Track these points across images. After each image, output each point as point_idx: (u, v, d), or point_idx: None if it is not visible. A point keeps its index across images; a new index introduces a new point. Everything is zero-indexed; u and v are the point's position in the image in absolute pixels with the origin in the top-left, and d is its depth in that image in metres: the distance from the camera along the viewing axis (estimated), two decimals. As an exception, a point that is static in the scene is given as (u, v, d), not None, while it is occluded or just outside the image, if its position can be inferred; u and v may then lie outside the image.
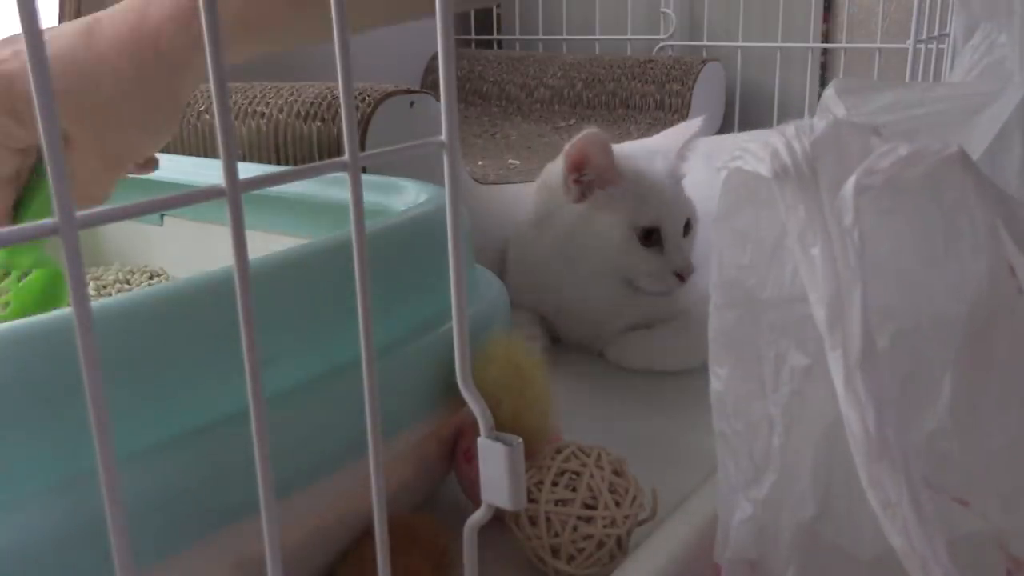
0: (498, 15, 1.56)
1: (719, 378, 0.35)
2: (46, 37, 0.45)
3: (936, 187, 0.30)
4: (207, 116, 0.72)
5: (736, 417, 0.35)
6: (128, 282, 0.70)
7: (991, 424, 0.31)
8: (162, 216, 0.68)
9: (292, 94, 0.69)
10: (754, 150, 0.30)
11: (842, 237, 0.28)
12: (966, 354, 0.31)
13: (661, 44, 1.41)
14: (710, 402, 0.36)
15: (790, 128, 0.31)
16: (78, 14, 0.86)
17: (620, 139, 1.08)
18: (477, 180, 0.77)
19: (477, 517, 0.32)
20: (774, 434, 0.34)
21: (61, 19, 0.88)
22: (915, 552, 0.26)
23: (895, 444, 0.27)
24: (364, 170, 0.57)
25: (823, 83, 1.32)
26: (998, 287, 0.30)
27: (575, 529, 0.42)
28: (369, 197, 0.50)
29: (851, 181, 0.28)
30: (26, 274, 0.49)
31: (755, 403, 0.34)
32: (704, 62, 1.21)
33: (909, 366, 0.31)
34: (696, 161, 0.73)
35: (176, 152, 0.74)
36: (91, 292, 0.68)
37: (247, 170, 0.63)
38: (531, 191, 0.72)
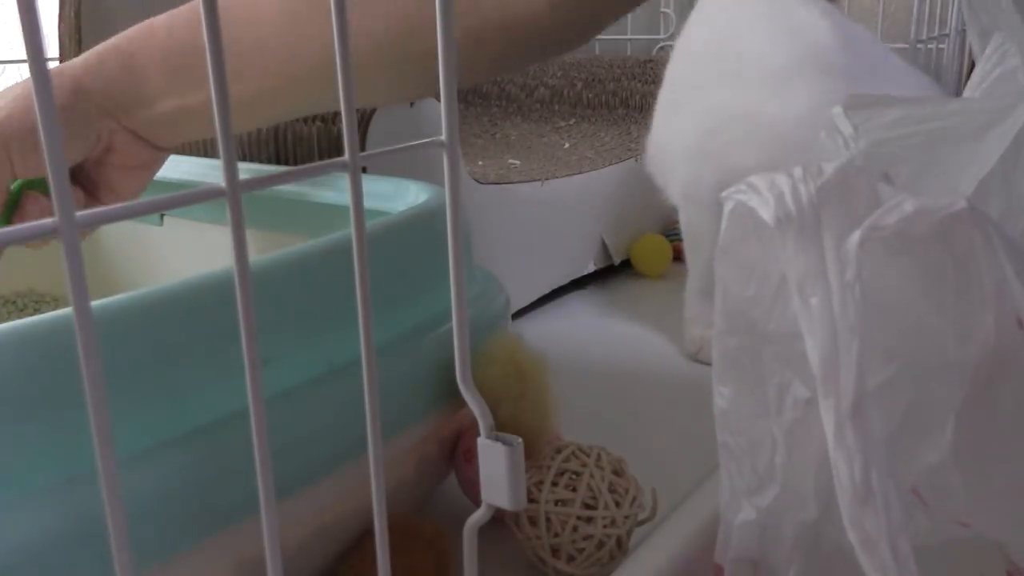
0: (498, 15, 1.55)
1: (723, 396, 0.35)
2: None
3: (945, 237, 0.30)
4: (207, 116, 0.72)
5: (739, 433, 0.35)
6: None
7: (994, 466, 0.31)
8: (162, 216, 0.68)
9: (292, 94, 0.69)
10: (760, 188, 0.30)
11: (842, 290, 0.28)
12: (971, 400, 0.31)
13: (661, 44, 1.41)
14: (709, 400, 0.36)
15: (798, 170, 0.30)
16: (78, 14, 0.86)
17: (619, 139, 1.08)
18: (477, 180, 0.77)
19: (477, 517, 0.32)
20: (777, 453, 0.34)
21: (61, 19, 0.88)
22: None
23: (879, 491, 0.27)
24: (364, 170, 0.57)
25: (823, 83, 1.32)
26: (1005, 339, 0.30)
27: (575, 529, 0.42)
28: (369, 197, 0.50)
29: (855, 236, 0.28)
30: None
31: (758, 422, 0.34)
32: (704, 62, 1.21)
33: (912, 398, 0.31)
34: None
35: (176, 152, 0.74)
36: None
37: (247, 170, 0.63)
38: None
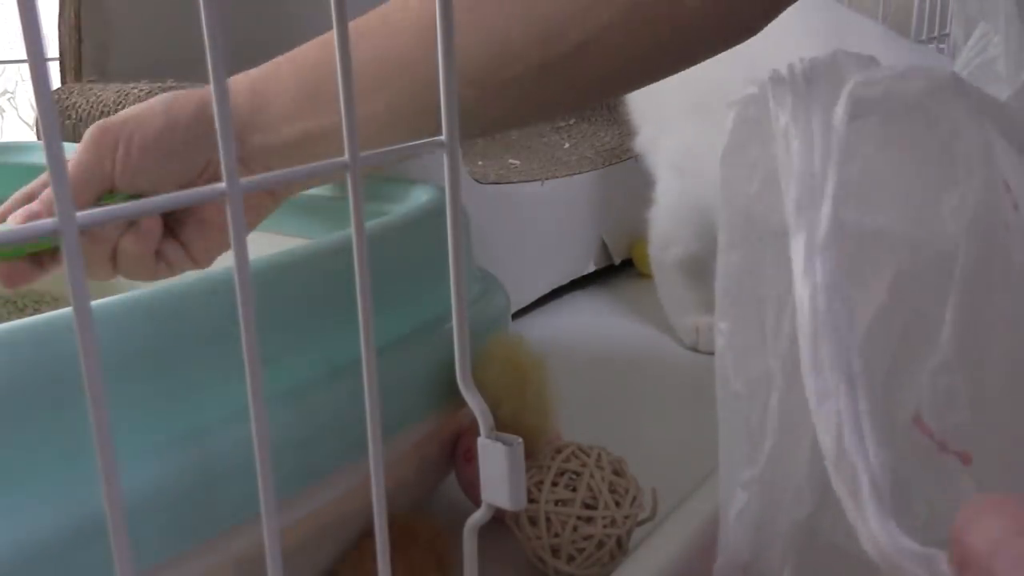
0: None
1: (723, 334, 0.35)
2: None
3: (931, 117, 0.30)
4: (207, 116, 0.72)
5: (736, 376, 0.35)
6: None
7: (994, 349, 0.31)
8: (162, 216, 0.68)
9: (292, 94, 0.69)
10: (761, 81, 0.31)
11: (826, 132, 0.28)
12: (966, 281, 0.31)
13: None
14: (709, 399, 0.36)
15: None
16: (78, 16, 0.86)
17: (619, 139, 1.08)
18: (477, 180, 0.77)
19: (477, 517, 0.32)
20: (773, 391, 0.34)
21: (61, 19, 0.88)
22: (843, 451, 0.25)
23: (844, 330, 0.26)
24: (364, 170, 0.57)
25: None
26: (993, 207, 0.30)
27: (575, 529, 0.42)
28: (369, 197, 0.50)
29: (849, 85, 0.28)
30: None
31: (755, 359, 0.34)
32: (704, 62, 1.21)
33: (912, 308, 0.31)
34: None
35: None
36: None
37: (247, 170, 0.62)
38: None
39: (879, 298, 0.30)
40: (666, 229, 0.78)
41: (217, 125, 0.19)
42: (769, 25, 0.47)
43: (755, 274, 0.34)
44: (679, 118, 0.77)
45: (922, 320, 0.31)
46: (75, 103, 0.81)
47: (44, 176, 0.47)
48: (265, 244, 0.40)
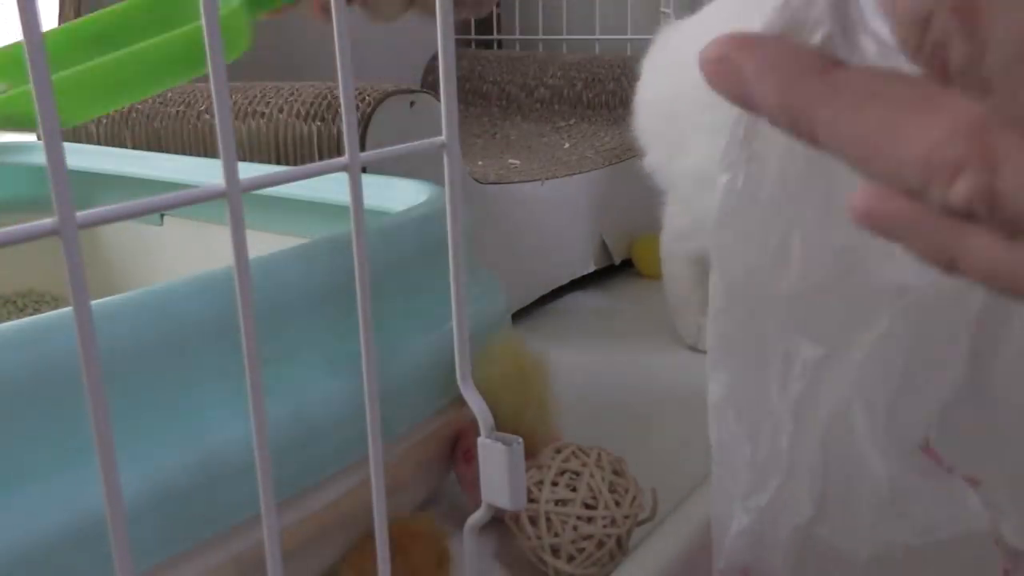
0: (498, 15, 1.55)
1: (720, 383, 0.35)
2: None
3: None
4: (207, 116, 0.72)
5: (738, 423, 0.35)
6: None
7: (1008, 383, 0.31)
8: (162, 216, 0.68)
9: (292, 94, 0.69)
10: None
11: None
12: (983, 311, 0.30)
13: (661, 44, 1.41)
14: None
15: None
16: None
17: (619, 139, 1.08)
18: (477, 180, 0.77)
19: (477, 517, 0.32)
20: (782, 435, 0.33)
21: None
22: None
23: None
24: (364, 170, 0.57)
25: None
26: None
27: (575, 529, 0.42)
28: (369, 197, 0.50)
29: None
30: None
31: (760, 406, 0.34)
32: (704, 62, 1.20)
33: (922, 335, 0.31)
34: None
35: (176, 152, 0.74)
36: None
37: (247, 170, 0.62)
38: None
39: (888, 317, 0.30)
40: (683, 223, 0.77)
41: (218, 126, 0.19)
42: None
43: (755, 334, 0.33)
44: (697, 136, 0.76)
45: (935, 350, 0.31)
46: (75, 103, 0.81)
47: None
48: (265, 244, 0.40)
